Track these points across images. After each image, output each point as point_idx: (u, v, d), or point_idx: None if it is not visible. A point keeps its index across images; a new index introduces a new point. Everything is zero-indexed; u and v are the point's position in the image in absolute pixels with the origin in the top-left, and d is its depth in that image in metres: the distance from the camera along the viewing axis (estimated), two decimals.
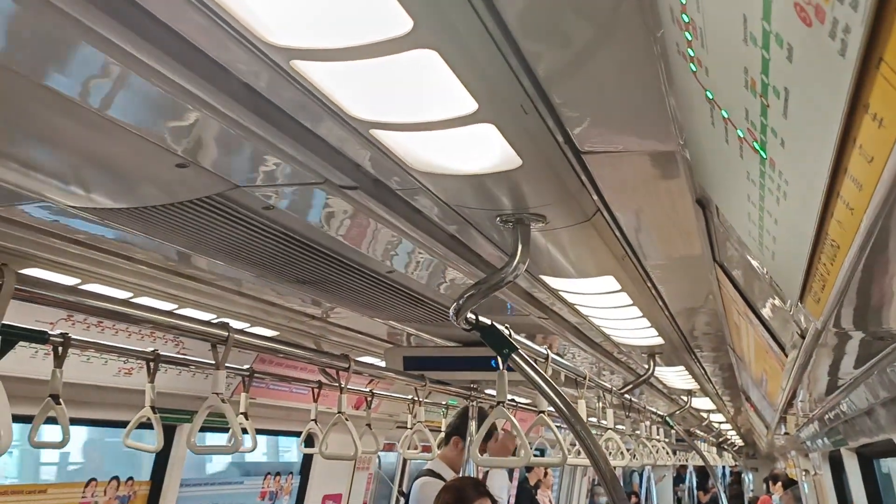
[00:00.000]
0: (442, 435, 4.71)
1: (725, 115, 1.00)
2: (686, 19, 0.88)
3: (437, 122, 1.35)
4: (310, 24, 1.08)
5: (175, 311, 3.05)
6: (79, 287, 2.65)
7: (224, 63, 1.28)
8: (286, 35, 1.11)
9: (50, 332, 2.28)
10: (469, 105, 1.29)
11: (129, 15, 1.11)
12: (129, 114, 1.43)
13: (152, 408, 2.64)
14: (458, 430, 4.64)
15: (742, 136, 0.98)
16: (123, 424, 2.81)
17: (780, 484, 9.50)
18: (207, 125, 1.46)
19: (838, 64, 0.59)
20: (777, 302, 1.77)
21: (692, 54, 0.95)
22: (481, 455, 3.78)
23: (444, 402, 5.19)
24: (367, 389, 4.34)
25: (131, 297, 2.99)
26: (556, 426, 2.97)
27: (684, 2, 0.85)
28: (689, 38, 0.91)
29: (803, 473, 8.29)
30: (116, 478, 4.37)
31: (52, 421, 2.39)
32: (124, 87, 1.31)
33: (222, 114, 1.39)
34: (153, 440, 2.70)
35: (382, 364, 4.37)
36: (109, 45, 1.15)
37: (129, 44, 1.15)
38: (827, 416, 3.54)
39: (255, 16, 1.08)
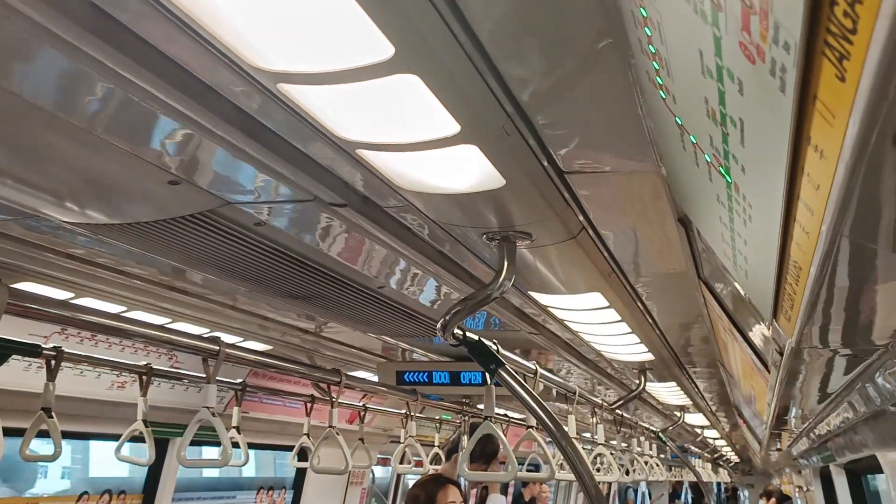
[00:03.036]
0: (435, 450, 4.72)
1: (694, 141, 1.03)
2: (653, 50, 0.93)
3: (420, 143, 1.39)
4: (295, 50, 1.12)
5: (168, 325, 3.09)
6: (72, 301, 2.68)
7: (214, 85, 1.32)
8: (272, 59, 1.15)
9: (43, 346, 2.31)
10: (451, 127, 1.32)
11: (122, 39, 1.15)
12: (122, 133, 1.47)
13: (144, 421, 2.66)
14: (458, 447, 4.66)
15: (709, 160, 1.02)
16: (116, 437, 2.82)
17: (773, 500, 9.49)
18: (199, 144, 1.50)
19: (780, 99, 0.62)
20: (756, 320, 1.81)
21: (661, 82, 0.99)
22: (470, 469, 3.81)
23: (437, 417, 5.21)
24: (361, 404, 4.36)
25: (124, 311, 3.02)
26: (546, 441, 3.00)
27: (650, 34, 0.89)
28: (657, 67, 0.96)
29: (797, 490, 8.30)
30: (109, 491, 4.38)
31: (44, 434, 2.40)
32: (118, 108, 1.35)
33: (214, 134, 1.43)
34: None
35: (376, 378, 4.39)
36: (102, 68, 1.19)
37: (122, 66, 1.19)
38: (814, 433, 3.57)
39: (242, 41, 1.12)
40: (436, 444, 4.86)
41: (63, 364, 2.37)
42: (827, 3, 0.48)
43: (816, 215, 0.77)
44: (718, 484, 17.14)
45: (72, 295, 2.77)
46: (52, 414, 2.36)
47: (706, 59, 0.74)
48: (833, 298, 1.05)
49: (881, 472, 2.93)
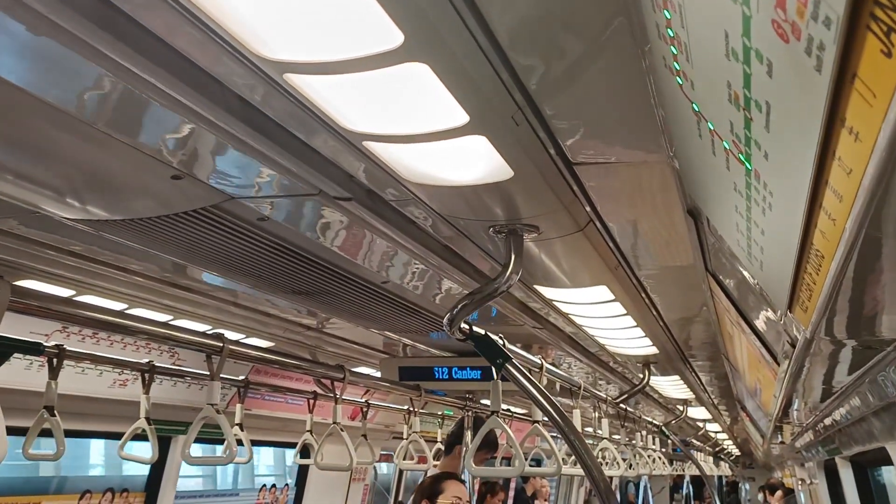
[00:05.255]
0: (437, 445, 4.71)
1: (711, 128, 1.01)
2: (671, 34, 0.90)
3: (428, 133, 1.37)
4: (302, 38, 1.10)
5: (170, 322, 3.06)
6: (74, 298, 2.65)
7: (218, 76, 1.30)
8: (279, 49, 1.12)
9: (45, 344, 2.28)
10: (460, 117, 1.30)
11: (125, 29, 1.13)
12: (124, 127, 1.45)
13: (147, 419, 2.64)
14: (459, 438, 4.65)
15: (728, 147, 0.99)
16: (118, 436, 2.80)
17: (779, 493, 9.49)
18: (202, 137, 1.47)
19: (815, 79, 0.60)
20: (768, 311, 1.79)
21: (678, 68, 0.97)
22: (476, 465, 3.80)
23: (440, 413, 5.19)
24: (363, 400, 4.34)
25: (126, 309, 3.00)
26: (552, 436, 2.98)
27: (669, 17, 0.87)
28: (675, 52, 0.93)
29: (799, 483, 8.30)
30: (111, 489, 4.36)
31: (46, 433, 2.38)
32: (120, 101, 1.33)
33: (217, 126, 1.41)
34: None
35: (378, 374, 4.37)
36: (105, 59, 1.16)
37: (125, 58, 1.17)
38: (821, 425, 3.55)
39: (247, 30, 1.10)
40: (438, 439, 4.85)
41: (65, 362, 2.35)
42: None
43: (845, 202, 0.74)
44: (720, 477, 17.16)
45: (73, 292, 2.75)
46: (55, 412, 2.33)
47: (732, 40, 0.72)
48: (854, 288, 1.03)
49: (889, 464, 2.91)
